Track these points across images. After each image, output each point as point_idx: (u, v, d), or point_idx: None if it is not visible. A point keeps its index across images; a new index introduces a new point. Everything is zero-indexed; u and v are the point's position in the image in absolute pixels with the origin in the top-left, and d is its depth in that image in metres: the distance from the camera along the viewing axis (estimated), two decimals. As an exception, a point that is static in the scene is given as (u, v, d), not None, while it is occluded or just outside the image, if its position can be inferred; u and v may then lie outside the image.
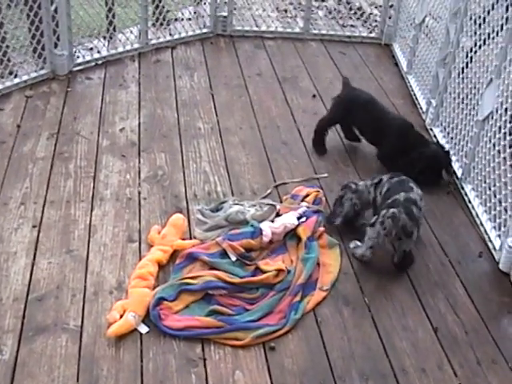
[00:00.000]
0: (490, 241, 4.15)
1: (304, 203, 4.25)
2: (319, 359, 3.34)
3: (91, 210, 4.20)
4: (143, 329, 3.41)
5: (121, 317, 3.41)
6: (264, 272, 3.73)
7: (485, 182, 4.29)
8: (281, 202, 4.35)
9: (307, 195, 4.33)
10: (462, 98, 4.77)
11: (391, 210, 3.79)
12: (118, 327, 3.36)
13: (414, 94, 5.81)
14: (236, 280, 3.67)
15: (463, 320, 3.64)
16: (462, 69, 4.89)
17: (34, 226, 4.05)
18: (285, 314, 3.53)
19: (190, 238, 4.02)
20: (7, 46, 5.60)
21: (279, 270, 3.73)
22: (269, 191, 4.45)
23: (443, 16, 5.31)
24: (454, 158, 4.77)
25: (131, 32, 6.38)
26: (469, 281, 3.91)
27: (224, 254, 3.85)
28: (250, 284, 3.68)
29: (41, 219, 4.11)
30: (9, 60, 5.61)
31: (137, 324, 3.41)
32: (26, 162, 4.63)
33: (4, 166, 4.57)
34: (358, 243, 3.96)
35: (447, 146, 4.91)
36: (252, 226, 3.98)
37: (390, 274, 3.89)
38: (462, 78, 4.83)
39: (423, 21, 5.77)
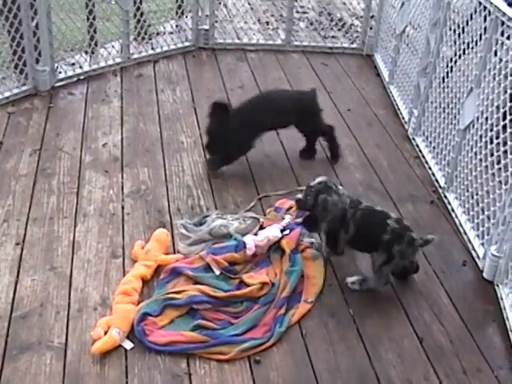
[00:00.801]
0: (474, 249, 4.17)
1: (287, 216, 4.26)
2: (305, 372, 3.34)
3: (75, 227, 4.19)
4: (128, 345, 3.40)
5: (105, 333, 3.39)
6: (248, 285, 3.73)
7: (468, 191, 4.31)
8: (264, 214, 4.35)
9: (290, 207, 4.33)
10: (444, 108, 4.80)
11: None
12: (102, 344, 3.35)
13: (396, 104, 5.83)
14: (220, 294, 3.66)
15: (448, 329, 3.65)
16: (443, 78, 4.92)
17: (17, 244, 4.03)
18: (270, 327, 3.52)
19: (174, 253, 4.01)
20: (-12, 63, 5.60)
21: (263, 283, 3.72)
22: (252, 204, 4.45)
23: (423, 26, 5.34)
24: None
25: (113, 46, 6.39)
26: (453, 290, 3.92)
27: (208, 268, 3.84)
28: (234, 298, 3.67)
29: (24, 236, 4.09)
30: (-10, 77, 5.61)
31: (121, 340, 3.39)
32: (8, 178, 4.61)
33: (-14, 183, 4.56)
34: (354, 278, 3.86)
35: (430, 157, 4.96)
36: (235, 239, 3.97)
37: (375, 285, 3.90)
38: (443, 88, 4.85)
39: (404, 31, 5.80)
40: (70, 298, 3.67)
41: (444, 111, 4.79)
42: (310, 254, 4.00)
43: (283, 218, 4.21)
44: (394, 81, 6.07)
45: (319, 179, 3.92)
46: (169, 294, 3.63)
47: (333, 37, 7.21)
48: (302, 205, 3.98)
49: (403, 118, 5.60)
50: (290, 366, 3.36)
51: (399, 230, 3.71)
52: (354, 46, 6.97)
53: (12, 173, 4.67)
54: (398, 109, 5.76)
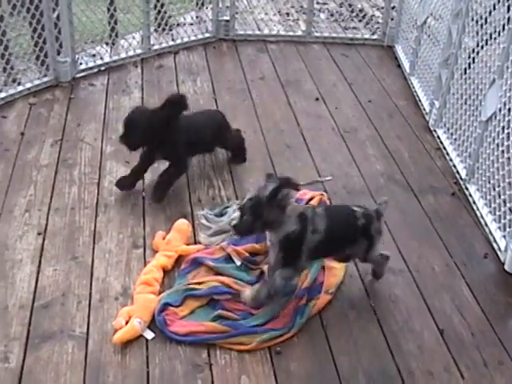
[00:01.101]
0: (496, 242, 4.14)
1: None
2: (325, 363, 3.34)
3: (96, 217, 4.20)
4: (149, 335, 3.41)
5: (126, 323, 3.41)
6: (269, 276, 3.72)
7: (489, 183, 4.29)
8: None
9: (311, 198, 4.31)
10: (465, 99, 4.77)
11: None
12: (123, 333, 3.36)
13: (417, 96, 5.80)
14: (241, 285, 3.66)
15: (469, 322, 3.63)
16: (465, 69, 4.88)
17: (38, 233, 4.05)
18: (290, 317, 3.51)
19: (195, 243, 4.02)
20: (10, 54, 5.62)
21: (284, 274, 3.71)
22: (273, 195, 4.43)
23: (445, 17, 5.31)
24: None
25: (133, 38, 6.40)
26: (474, 282, 3.89)
27: (229, 259, 3.84)
28: (255, 288, 3.67)
29: (46, 226, 4.12)
30: (12, 68, 5.63)
31: (142, 330, 3.40)
32: (30, 169, 4.64)
33: (8, 173, 4.58)
34: None
35: (451, 148, 4.94)
36: (256, 230, 3.97)
37: (396, 277, 3.88)
38: (465, 79, 4.82)
39: (425, 22, 5.77)
40: (91, 288, 3.68)
41: (466, 103, 4.76)
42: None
43: (304, 210, 4.21)
44: (415, 72, 6.04)
45: (251, 196, 3.44)
46: (190, 284, 3.64)
47: (353, 28, 7.19)
48: (244, 229, 3.45)
49: (424, 110, 5.57)
50: (311, 357, 3.36)
51: (366, 211, 3.61)
52: (375, 37, 6.93)
53: (33, 163, 4.70)
54: (419, 100, 5.73)
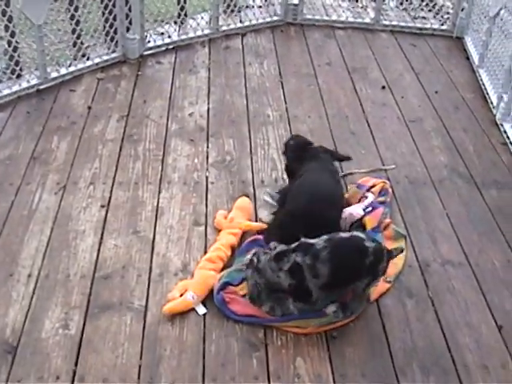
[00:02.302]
0: (559, 239, 4.08)
1: (370, 194, 4.22)
2: (380, 350, 3.33)
3: (159, 193, 4.25)
4: (201, 310, 3.44)
5: (181, 296, 3.46)
6: (328, 261, 3.71)
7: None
8: (346, 191, 4.32)
9: (373, 186, 4.30)
10: (536, 94, 4.69)
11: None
12: (174, 305, 3.43)
13: (485, 89, 5.71)
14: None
15: (529, 319, 3.58)
16: (537, 64, 4.80)
17: (102, 206, 4.12)
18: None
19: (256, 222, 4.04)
20: (81, 29, 5.69)
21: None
22: (335, 180, 4.42)
23: (519, 9, 5.23)
24: None
25: (202, 18, 6.43)
26: (536, 279, 3.84)
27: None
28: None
29: (109, 199, 4.18)
30: (82, 43, 5.70)
31: (195, 304, 3.44)
32: (95, 142, 4.71)
33: (74, 146, 4.66)
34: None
35: None
36: (317, 214, 3.96)
37: (455, 269, 3.84)
38: (537, 74, 4.75)
39: (498, 14, 5.67)
40: (151, 262, 3.73)
41: (536, 98, 4.69)
42: (393, 233, 3.98)
43: (366, 197, 4.18)
44: (484, 64, 5.94)
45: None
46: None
47: (422, 17, 7.08)
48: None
49: (492, 103, 5.48)
50: (367, 343, 3.36)
51: (377, 247, 3.38)
52: (444, 27, 6.82)
53: (99, 137, 4.77)
54: (487, 93, 5.63)
